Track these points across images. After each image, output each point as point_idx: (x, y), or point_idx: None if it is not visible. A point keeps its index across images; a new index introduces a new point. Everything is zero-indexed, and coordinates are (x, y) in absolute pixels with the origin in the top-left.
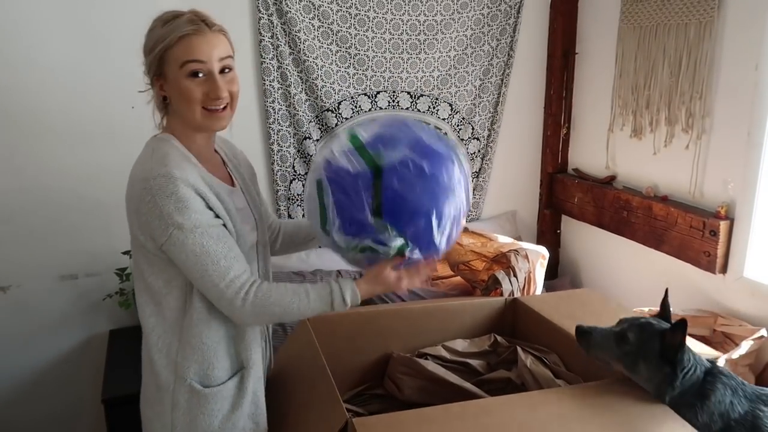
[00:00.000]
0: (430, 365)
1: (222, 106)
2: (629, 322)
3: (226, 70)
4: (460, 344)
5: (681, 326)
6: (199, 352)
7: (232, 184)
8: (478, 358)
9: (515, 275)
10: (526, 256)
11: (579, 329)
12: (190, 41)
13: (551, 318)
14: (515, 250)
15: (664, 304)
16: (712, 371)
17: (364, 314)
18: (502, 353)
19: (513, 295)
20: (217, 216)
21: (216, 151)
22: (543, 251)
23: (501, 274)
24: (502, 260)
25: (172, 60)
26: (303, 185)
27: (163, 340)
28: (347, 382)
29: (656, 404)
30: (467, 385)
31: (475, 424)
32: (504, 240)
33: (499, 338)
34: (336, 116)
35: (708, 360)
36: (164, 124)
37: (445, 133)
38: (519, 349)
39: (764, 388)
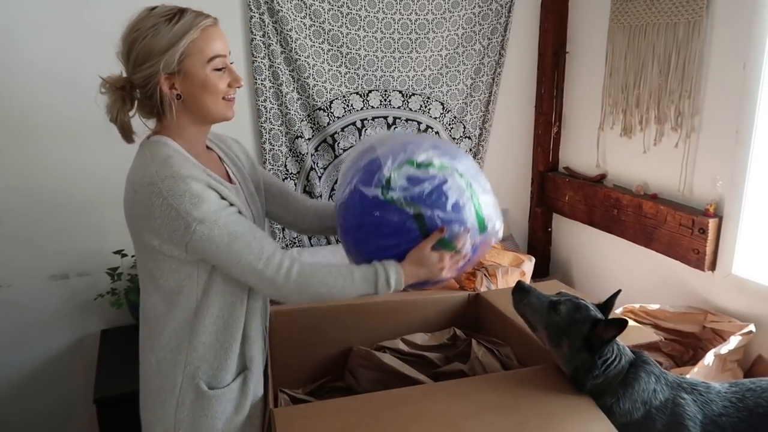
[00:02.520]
0: (387, 358)
1: (234, 95)
2: (567, 297)
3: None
4: (419, 337)
5: (620, 325)
6: (212, 350)
7: (230, 182)
8: (436, 351)
9: None
10: (495, 276)
11: (519, 284)
12: (212, 34)
13: (506, 312)
14: (486, 269)
15: (610, 301)
16: (636, 361)
17: (327, 308)
18: (460, 346)
19: None
20: (231, 204)
21: (209, 147)
22: (526, 267)
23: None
24: (473, 277)
25: (196, 54)
26: (295, 184)
27: (175, 340)
28: (310, 375)
29: (579, 395)
30: (421, 377)
31: (392, 414)
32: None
33: (458, 331)
34: (328, 115)
35: (632, 350)
36: (154, 125)
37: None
38: (474, 341)
39: (685, 377)
